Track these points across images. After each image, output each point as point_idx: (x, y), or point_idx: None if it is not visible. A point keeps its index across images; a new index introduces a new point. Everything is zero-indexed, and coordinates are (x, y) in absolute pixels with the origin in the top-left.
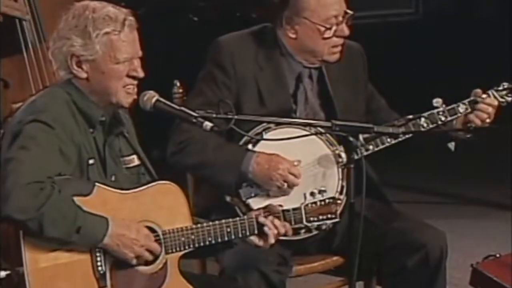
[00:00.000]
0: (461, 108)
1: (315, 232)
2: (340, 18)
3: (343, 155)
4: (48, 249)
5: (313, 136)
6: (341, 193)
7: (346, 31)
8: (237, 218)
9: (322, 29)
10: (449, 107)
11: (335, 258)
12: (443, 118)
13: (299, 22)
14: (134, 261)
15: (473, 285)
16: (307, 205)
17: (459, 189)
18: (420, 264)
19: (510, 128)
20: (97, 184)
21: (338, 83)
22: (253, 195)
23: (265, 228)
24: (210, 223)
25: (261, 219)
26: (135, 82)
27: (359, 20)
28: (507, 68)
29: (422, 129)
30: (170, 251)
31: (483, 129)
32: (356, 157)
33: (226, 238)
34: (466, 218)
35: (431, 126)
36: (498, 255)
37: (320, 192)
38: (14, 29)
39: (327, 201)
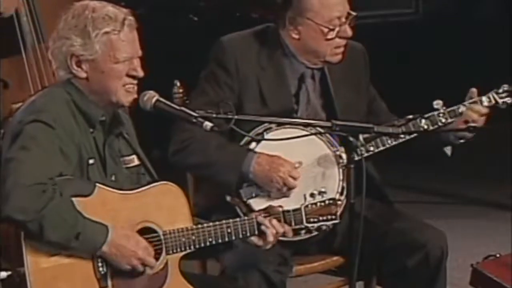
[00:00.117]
0: (461, 110)
1: (315, 233)
2: (343, 19)
3: (344, 156)
4: (49, 250)
5: (314, 137)
6: (341, 194)
7: (349, 32)
8: (238, 219)
9: (325, 30)
10: (450, 109)
11: (335, 258)
12: (443, 120)
13: (302, 22)
14: (131, 271)
15: (473, 285)
16: (307, 206)
17: (459, 189)
18: (420, 264)
19: (510, 128)
20: (97, 184)
21: (340, 83)
22: (254, 195)
23: (263, 227)
24: (211, 223)
25: (260, 219)
26: (135, 81)
27: (359, 20)
28: (507, 68)
29: (422, 130)
30: (170, 251)
31: (483, 129)
32: (356, 158)
33: (226, 239)
34: (466, 218)
35: (431, 127)
36: (498, 255)
37: (320, 193)
38: (13, 30)
39: (327, 202)
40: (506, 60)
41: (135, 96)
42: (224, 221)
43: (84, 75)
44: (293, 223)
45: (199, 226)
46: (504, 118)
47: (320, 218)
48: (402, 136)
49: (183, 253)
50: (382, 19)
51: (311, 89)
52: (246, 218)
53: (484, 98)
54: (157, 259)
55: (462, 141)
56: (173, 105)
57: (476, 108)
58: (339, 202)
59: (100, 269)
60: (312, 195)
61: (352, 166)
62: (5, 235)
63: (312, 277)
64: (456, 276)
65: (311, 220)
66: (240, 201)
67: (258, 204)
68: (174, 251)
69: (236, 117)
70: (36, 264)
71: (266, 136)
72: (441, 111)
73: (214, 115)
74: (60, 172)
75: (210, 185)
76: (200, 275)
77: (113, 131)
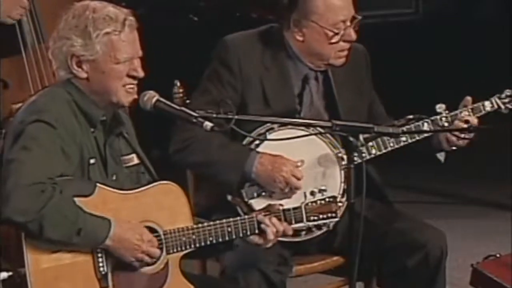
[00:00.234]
0: (463, 114)
1: (316, 234)
2: (348, 23)
3: (346, 157)
4: (50, 250)
5: (315, 137)
6: (343, 196)
7: (354, 36)
8: (238, 218)
9: (330, 33)
10: (452, 113)
11: (335, 258)
12: (446, 124)
13: (307, 25)
14: (136, 264)
15: (473, 285)
16: (307, 204)
17: (459, 189)
18: (420, 264)
19: (510, 128)
20: (98, 184)
21: (343, 86)
22: (255, 195)
23: (263, 226)
24: (211, 223)
25: (260, 217)
26: (135, 81)
27: None
28: (507, 68)
29: (422, 130)
30: (171, 251)
31: (483, 129)
32: (359, 160)
33: (227, 238)
34: (466, 218)
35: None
36: (498, 255)
37: (320, 191)
38: (13, 30)
39: (327, 200)
40: (506, 60)
41: (135, 96)
42: (224, 220)
43: (84, 75)
44: (293, 221)
45: (200, 225)
46: (504, 118)
47: (321, 216)
48: (403, 138)
49: (184, 252)
50: (382, 19)
51: (315, 90)
52: (246, 217)
53: (486, 103)
54: (157, 258)
55: (454, 148)
56: (173, 105)
57: (466, 118)
58: (340, 204)
59: (101, 269)
60: (312, 193)
61: (352, 166)
62: (5, 236)
63: (312, 277)
64: (456, 276)
65: (311, 218)
66: (241, 201)
67: (259, 204)
68: (175, 250)
69: (236, 117)
70: (37, 264)
71: (268, 137)
72: (444, 114)
73: (214, 115)
74: (61, 172)
75: (210, 185)
76: (200, 275)
77: (113, 131)
